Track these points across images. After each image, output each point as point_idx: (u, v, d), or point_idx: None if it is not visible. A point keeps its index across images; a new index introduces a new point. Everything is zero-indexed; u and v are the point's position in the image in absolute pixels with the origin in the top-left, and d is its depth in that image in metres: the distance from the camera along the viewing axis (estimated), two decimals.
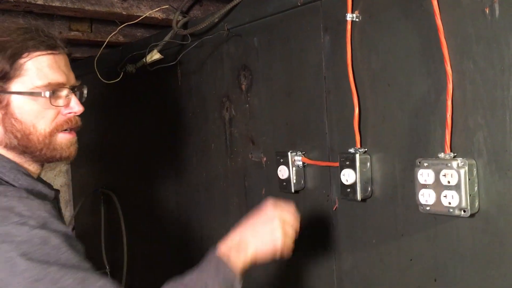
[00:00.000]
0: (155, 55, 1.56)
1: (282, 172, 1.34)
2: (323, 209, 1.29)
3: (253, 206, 1.50)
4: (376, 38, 1.14)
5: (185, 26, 1.63)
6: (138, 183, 2.05)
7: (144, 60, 1.59)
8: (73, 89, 1.06)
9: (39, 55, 1.00)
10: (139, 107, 2.00)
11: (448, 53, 0.99)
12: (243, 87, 1.52)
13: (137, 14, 1.58)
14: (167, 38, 1.56)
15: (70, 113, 1.04)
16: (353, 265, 1.23)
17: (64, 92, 1.04)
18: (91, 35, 1.87)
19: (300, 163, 1.33)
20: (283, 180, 1.35)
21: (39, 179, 1.09)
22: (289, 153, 1.33)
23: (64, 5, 1.44)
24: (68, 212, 2.61)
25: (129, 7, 1.57)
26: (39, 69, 1.00)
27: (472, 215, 0.97)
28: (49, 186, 1.10)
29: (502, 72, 0.93)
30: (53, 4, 1.42)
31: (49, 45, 1.02)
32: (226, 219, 1.62)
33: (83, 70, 2.27)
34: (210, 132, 1.66)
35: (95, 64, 1.66)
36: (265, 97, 1.45)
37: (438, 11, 0.99)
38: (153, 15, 1.59)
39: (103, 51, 2.02)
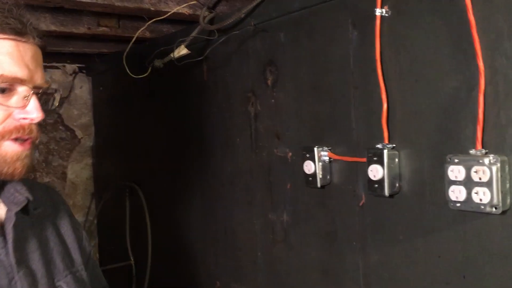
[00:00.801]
0: (182, 51, 1.58)
1: (308, 167, 1.35)
2: (349, 204, 1.29)
3: (278, 201, 1.52)
4: (405, 34, 1.13)
5: (211, 21, 1.64)
6: (163, 176, 2.07)
7: (172, 55, 1.61)
8: (37, 90, 0.85)
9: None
10: (164, 101, 2.03)
11: (480, 49, 0.98)
12: (269, 82, 1.53)
13: (165, 10, 1.60)
14: (194, 34, 1.58)
15: (24, 118, 0.83)
16: (379, 261, 1.23)
17: (22, 89, 0.83)
18: (118, 31, 1.90)
19: (327, 158, 1.33)
20: (309, 175, 1.36)
21: None
22: (315, 148, 1.34)
23: (94, 1, 1.46)
24: (93, 204, 2.67)
25: (157, 3, 1.59)
26: None
27: (503, 212, 0.96)
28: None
29: None
30: (84, 0, 1.45)
31: (15, 30, 0.82)
32: (250, 214, 1.63)
33: (109, 65, 2.31)
34: (235, 127, 1.67)
35: (124, 59, 1.68)
36: (291, 92, 1.45)
37: (471, 6, 0.98)
38: (180, 11, 1.60)
39: (130, 47, 2.05)
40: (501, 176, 0.94)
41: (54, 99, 0.92)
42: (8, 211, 0.89)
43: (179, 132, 1.96)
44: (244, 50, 1.60)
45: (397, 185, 1.16)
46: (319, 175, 1.34)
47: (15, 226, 0.87)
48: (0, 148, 0.82)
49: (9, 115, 0.82)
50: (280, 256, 1.53)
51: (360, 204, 1.27)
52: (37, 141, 0.88)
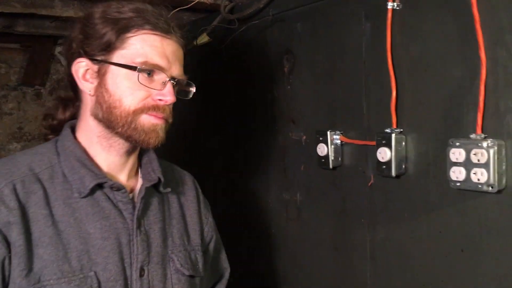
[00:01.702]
0: (204, 38, 1.67)
1: (321, 149, 1.45)
2: (359, 184, 1.39)
3: (292, 181, 1.62)
4: (415, 26, 1.22)
5: (231, 11, 1.73)
6: (180, 158, 2.18)
7: (195, 43, 1.70)
8: (174, 80, 1.05)
9: (145, 33, 1.01)
10: None
11: (483, 42, 1.06)
12: (286, 69, 1.62)
13: None
14: (215, 22, 1.67)
15: (160, 100, 1.03)
16: (386, 236, 1.33)
17: (161, 76, 1.03)
18: None
19: (338, 141, 1.43)
20: (321, 157, 1.46)
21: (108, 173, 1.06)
22: (328, 132, 1.43)
23: None
24: None
25: None
26: (142, 46, 1.00)
27: (499, 191, 1.05)
28: (105, 181, 1.03)
29: None
30: None
31: (160, 27, 1.02)
32: (266, 193, 1.74)
33: None
34: (252, 112, 1.77)
35: None
36: (306, 79, 1.55)
37: (476, 2, 1.06)
38: (202, 0, 1.70)
39: None
40: (497, 158, 1.04)
41: (189, 92, 1.14)
42: (142, 185, 1.09)
43: (198, 117, 2.06)
44: (262, 38, 1.69)
45: (403, 166, 1.25)
46: (331, 157, 1.43)
47: (143, 198, 1.07)
48: (139, 118, 1.02)
49: (149, 95, 1.02)
50: (293, 233, 1.63)
51: (369, 184, 1.36)
52: (170, 120, 1.08)
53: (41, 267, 0.94)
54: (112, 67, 1.01)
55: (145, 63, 1.01)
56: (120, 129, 1.02)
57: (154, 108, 1.02)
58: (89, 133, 1.07)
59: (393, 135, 1.24)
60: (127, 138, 1.04)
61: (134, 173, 1.13)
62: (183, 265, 1.11)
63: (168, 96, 1.03)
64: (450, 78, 1.15)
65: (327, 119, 1.48)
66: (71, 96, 1.12)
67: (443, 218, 1.18)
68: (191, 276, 1.13)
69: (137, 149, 1.12)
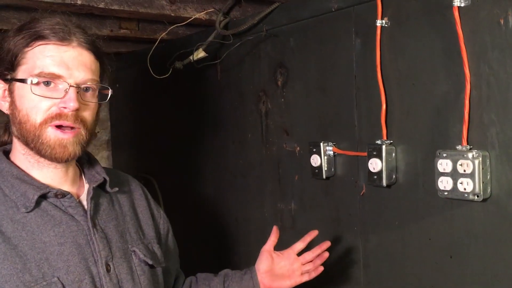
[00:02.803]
0: (200, 53, 1.72)
1: (315, 160, 1.50)
2: (351, 194, 1.44)
3: (286, 191, 1.67)
4: (403, 43, 1.28)
5: (226, 26, 1.79)
6: (178, 169, 2.22)
7: (191, 58, 1.75)
8: (77, 85, 1.02)
9: (41, 44, 1.00)
10: (179, 98, 2.18)
11: (467, 58, 1.12)
12: (279, 83, 1.67)
13: (184, 15, 1.74)
14: (210, 38, 1.72)
15: (64, 107, 1.01)
16: (378, 244, 1.38)
17: (62, 85, 1.01)
18: (138, 33, 2.05)
19: (331, 152, 1.48)
20: (315, 168, 1.51)
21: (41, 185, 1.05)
22: (321, 143, 1.48)
23: (122, 8, 1.61)
24: None
25: (177, 9, 1.73)
26: (38, 58, 1.00)
27: (484, 200, 1.11)
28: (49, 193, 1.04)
29: None
30: (112, 8, 1.59)
31: (56, 36, 1.01)
32: (261, 203, 1.78)
33: (126, 64, 2.46)
34: (247, 124, 1.82)
35: (148, 60, 1.83)
36: (299, 92, 1.60)
37: (459, 21, 1.13)
38: (198, 17, 1.75)
39: (145, 47, 2.19)
40: (482, 168, 1.09)
41: (106, 95, 1.11)
42: (89, 187, 1.13)
43: (193, 128, 2.11)
44: (256, 53, 1.75)
45: (393, 176, 1.31)
46: (325, 168, 1.49)
47: (92, 198, 1.11)
48: (46, 133, 1.01)
49: (53, 105, 1.01)
50: (288, 241, 1.67)
51: (361, 193, 1.42)
52: (84, 131, 1.05)
53: (1, 282, 0.96)
54: (17, 83, 1.02)
55: (40, 74, 1.00)
56: (32, 144, 1.02)
57: (60, 116, 1.01)
58: (16, 152, 1.08)
59: (384, 147, 1.30)
60: (38, 153, 1.03)
61: (78, 181, 1.15)
62: (146, 255, 1.16)
63: (70, 102, 1.00)
64: (436, 92, 1.21)
65: (320, 131, 1.53)
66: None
67: (432, 226, 1.23)
68: (152, 267, 1.18)
69: (72, 161, 1.11)
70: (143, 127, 2.48)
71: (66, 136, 1.03)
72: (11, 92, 1.04)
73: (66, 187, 1.11)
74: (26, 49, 1.01)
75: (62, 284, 1.00)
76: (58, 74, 1.01)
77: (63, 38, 1.02)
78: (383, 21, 1.30)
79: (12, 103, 1.04)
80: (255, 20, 1.64)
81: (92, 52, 1.06)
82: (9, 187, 1.04)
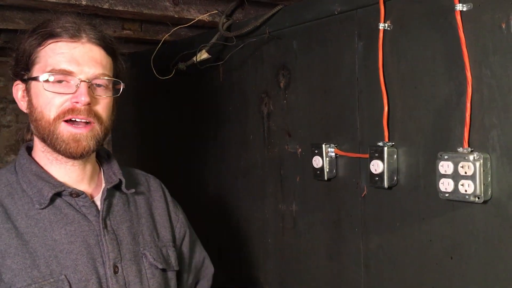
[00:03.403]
0: (203, 55, 1.74)
1: (317, 161, 1.51)
2: (352, 195, 1.45)
3: (288, 192, 1.68)
4: (405, 46, 1.29)
5: (229, 28, 1.80)
6: (179, 170, 2.23)
7: (194, 59, 1.77)
8: (88, 80, 1.04)
9: (52, 43, 1.04)
10: (182, 99, 2.19)
11: (469, 61, 1.14)
12: (282, 84, 1.69)
13: (187, 17, 1.76)
14: (214, 40, 1.74)
15: (76, 102, 1.03)
16: (379, 245, 1.39)
17: (73, 81, 1.03)
18: (140, 34, 2.06)
19: (333, 154, 1.49)
20: (317, 169, 1.52)
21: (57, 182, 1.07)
22: (323, 145, 1.50)
23: (126, 9, 1.62)
24: None
25: (180, 11, 1.75)
26: (50, 56, 1.03)
27: (485, 202, 1.12)
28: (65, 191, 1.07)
29: None
30: (116, 8, 1.61)
31: (66, 34, 1.04)
32: (262, 204, 1.79)
33: (129, 64, 2.47)
34: (249, 125, 1.83)
35: (151, 61, 1.84)
36: (302, 94, 1.61)
37: (461, 25, 1.14)
38: (202, 18, 1.76)
39: (148, 48, 2.21)
40: (483, 170, 1.11)
41: (118, 89, 1.12)
42: (104, 187, 1.14)
43: (195, 129, 2.12)
44: (259, 55, 1.76)
45: (395, 178, 1.32)
46: (326, 169, 1.50)
47: (105, 199, 1.12)
48: (59, 128, 1.03)
49: (66, 100, 1.03)
50: (289, 242, 1.69)
51: (362, 195, 1.43)
52: (98, 126, 1.07)
53: (11, 276, 0.99)
54: (33, 82, 1.05)
55: (51, 70, 1.03)
56: (48, 141, 1.05)
57: (73, 111, 1.03)
58: (37, 149, 1.11)
59: (386, 148, 1.31)
60: (54, 149, 1.05)
61: (96, 180, 1.17)
62: (156, 259, 1.16)
63: (81, 96, 1.02)
64: (438, 95, 1.22)
65: (322, 133, 1.54)
66: None
67: (433, 227, 1.24)
68: (164, 270, 1.18)
69: (89, 157, 1.12)
70: (145, 128, 2.49)
71: (79, 131, 1.04)
72: (28, 91, 1.08)
73: (83, 185, 1.13)
74: (39, 48, 1.04)
75: (69, 282, 1.02)
76: (68, 70, 1.03)
77: (73, 35, 1.05)
78: (386, 25, 1.32)
79: (30, 102, 1.07)
80: (258, 22, 1.66)
81: (103, 48, 1.09)
82: (27, 183, 1.07)
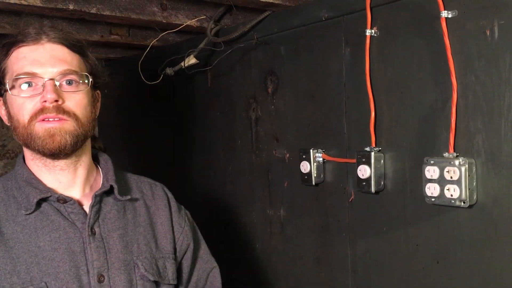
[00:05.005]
0: (191, 60, 1.74)
1: (304, 167, 1.52)
2: (340, 200, 1.46)
3: (275, 197, 1.69)
4: (392, 52, 1.31)
5: (217, 33, 1.80)
6: (166, 175, 2.22)
7: (182, 64, 1.76)
8: (53, 78, 1.04)
9: (16, 49, 1.06)
10: (170, 104, 2.18)
11: (454, 68, 1.15)
12: (269, 90, 1.69)
13: (175, 22, 1.76)
14: (202, 45, 1.74)
15: (44, 101, 1.03)
16: (366, 250, 1.40)
17: (40, 82, 1.04)
18: (128, 39, 2.05)
19: (321, 159, 1.50)
20: (305, 174, 1.52)
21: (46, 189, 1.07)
22: (311, 150, 1.50)
23: (113, 14, 1.61)
24: None
25: (168, 16, 1.74)
26: (14, 62, 1.05)
27: (470, 206, 1.14)
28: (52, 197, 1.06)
29: (499, 85, 1.09)
30: (104, 13, 1.60)
31: (27, 39, 1.06)
32: (250, 209, 1.79)
33: (115, 70, 2.46)
34: (237, 130, 1.83)
35: (139, 66, 1.83)
36: (289, 99, 1.62)
37: (447, 32, 1.16)
38: (190, 24, 1.76)
39: (135, 53, 2.20)
40: (469, 175, 1.12)
41: (93, 84, 1.13)
42: (93, 194, 1.11)
43: (183, 134, 2.12)
44: (247, 60, 1.77)
45: (382, 183, 1.33)
46: (314, 174, 1.50)
47: (93, 205, 1.10)
48: (34, 128, 1.04)
49: (36, 102, 1.04)
50: (277, 247, 1.69)
51: (350, 200, 1.44)
52: (73, 124, 1.05)
53: None
54: (7, 94, 1.07)
55: (17, 76, 1.05)
56: (28, 144, 1.06)
57: (43, 111, 1.03)
58: (27, 158, 1.12)
59: (372, 154, 1.32)
60: (35, 150, 1.06)
61: (93, 186, 1.15)
62: (148, 270, 1.12)
63: (47, 94, 1.02)
64: (424, 100, 1.24)
65: (309, 138, 1.55)
66: None
67: (420, 232, 1.25)
68: (157, 283, 1.14)
69: (80, 162, 1.12)
70: (133, 133, 2.48)
71: (52, 125, 1.04)
72: (5, 104, 1.10)
73: (75, 191, 1.12)
74: (6, 59, 1.07)
75: None
76: (32, 72, 1.04)
77: (34, 38, 1.06)
78: (373, 31, 1.33)
79: (9, 114, 1.09)
80: (246, 28, 1.66)
81: (66, 46, 1.08)
82: (17, 189, 1.08)
